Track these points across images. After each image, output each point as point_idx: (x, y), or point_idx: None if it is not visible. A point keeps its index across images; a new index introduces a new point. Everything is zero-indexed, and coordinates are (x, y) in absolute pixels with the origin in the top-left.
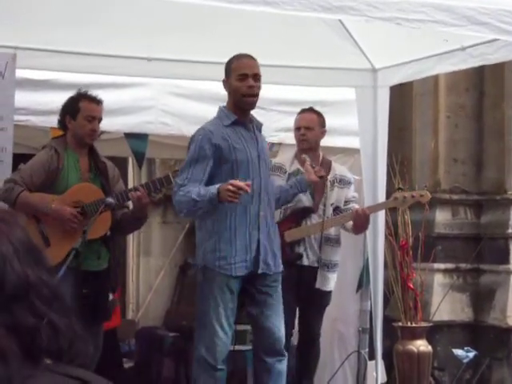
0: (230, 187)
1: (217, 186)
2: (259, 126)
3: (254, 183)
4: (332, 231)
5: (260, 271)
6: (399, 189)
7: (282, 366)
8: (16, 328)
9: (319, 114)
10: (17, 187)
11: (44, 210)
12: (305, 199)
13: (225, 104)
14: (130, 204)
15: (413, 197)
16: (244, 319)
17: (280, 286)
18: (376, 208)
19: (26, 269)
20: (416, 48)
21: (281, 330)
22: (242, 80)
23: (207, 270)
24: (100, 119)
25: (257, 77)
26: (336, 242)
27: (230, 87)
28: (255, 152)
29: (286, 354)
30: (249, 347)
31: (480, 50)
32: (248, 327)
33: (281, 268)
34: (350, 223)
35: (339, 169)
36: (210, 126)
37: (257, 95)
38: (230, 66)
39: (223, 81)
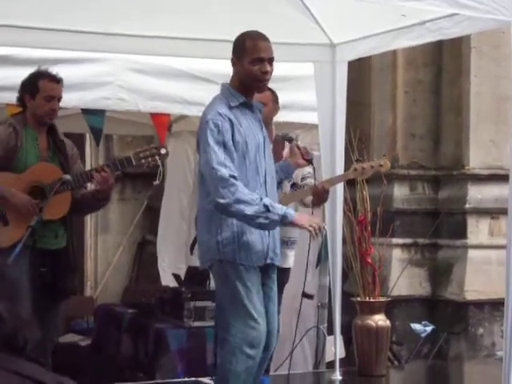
0: (313, 225)
1: (291, 210)
2: (259, 106)
3: (261, 168)
4: (290, 207)
5: (269, 261)
6: (358, 160)
7: (267, 360)
8: None
9: (272, 91)
10: None
11: (2, 194)
12: None
13: (227, 81)
14: (89, 185)
15: (372, 167)
16: (204, 295)
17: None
18: (335, 180)
19: None
20: (374, 23)
21: (276, 324)
22: (257, 64)
23: (228, 263)
24: (60, 98)
25: (272, 61)
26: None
27: (242, 68)
28: (261, 135)
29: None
30: (209, 323)
31: (438, 25)
32: (208, 303)
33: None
34: (309, 198)
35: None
36: (221, 107)
37: (269, 80)
38: (243, 46)
39: (232, 59)
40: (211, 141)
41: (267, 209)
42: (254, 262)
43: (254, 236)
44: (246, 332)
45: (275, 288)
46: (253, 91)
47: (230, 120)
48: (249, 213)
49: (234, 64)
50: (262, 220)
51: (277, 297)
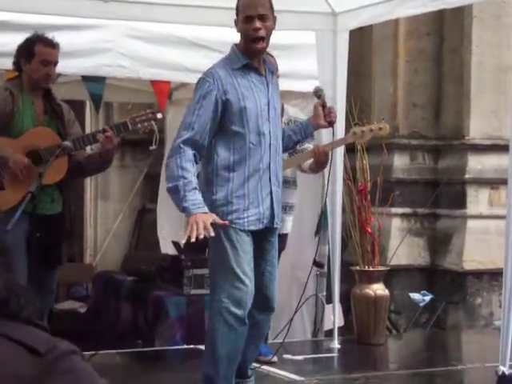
0: (194, 225)
1: (199, 209)
2: (272, 68)
3: (264, 132)
4: (288, 172)
5: (276, 225)
6: (356, 124)
7: (269, 322)
8: None
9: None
10: None
11: (2, 154)
12: None
13: (237, 42)
14: (87, 148)
15: (371, 130)
16: (203, 263)
17: (276, 241)
18: (335, 144)
19: None
20: None
21: (275, 287)
22: (248, 22)
23: (219, 224)
24: (56, 63)
25: (264, 17)
26: (293, 183)
27: (238, 29)
28: (265, 99)
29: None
30: (207, 291)
31: None
32: (207, 271)
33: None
34: (307, 164)
35: (292, 110)
36: (220, 69)
37: (263, 38)
38: (237, 5)
39: (234, 21)
40: (194, 98)
41: (178, 192)
42: (247, 226)
43: (250, 199)
44: (232, 292)
45: (274, 252)
46: (251, 52)
47: (222, 82)
48: (168, 184)
49: (235, 24)
50: (172, 198)
51: (276, 258)
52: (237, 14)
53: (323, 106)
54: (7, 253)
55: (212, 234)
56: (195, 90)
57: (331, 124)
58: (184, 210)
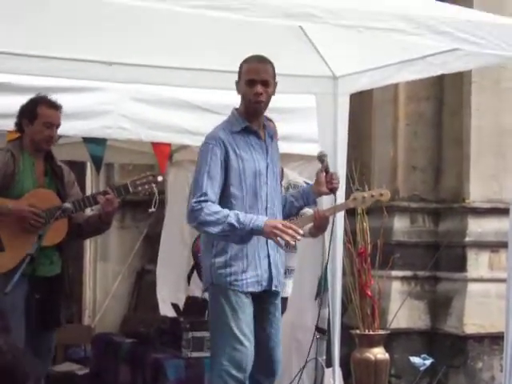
0: (280, 225)
1: (263, 218)
2: (271, 133)
3: (261, 195)
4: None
5: (274, 288)
6: (357, 189)
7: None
8: None
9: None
10: None
11: (1, 210)
12: None
13: (236, 107)
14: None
15: (372, 196)
16: (203, 326)
17: (280, 304)
18: (336, 209)
19: None
20: (377, 56)
21: (280, 351)
22: (251, 85)
23: (218, 286)
24: (58, 125)
25: (266, 83)
26: (293, 247)
27: (240, 91)
28: (263, 162)
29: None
30: (207, 354)
31: (440, 59)
32: (206, 334)
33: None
34: (306, 228)
35: (292, 174)
36: (221, 132)
37: (263, 102)
38: (240, 69)
39: (235, 82)
40: (201, 162)
41: (233, 227)
42: (245, 288)
43: (248, 262)
44: (232, 355)
45: (278, 314)
46: (253, 115)
47: (224, 144)
48: (215, 232)
49: (236, 88)
50: (232, 237)
51: (281, 324)
52: (239, 77)
53: (326, 171)
54: (5, 317)
55: (301, 232)
56: (200, 153)
57: (333, 191)
58: (252, 231)
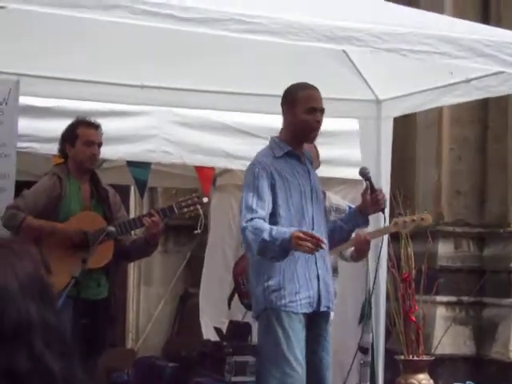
0: (301, 235)
1: (291, 229)
2: (309, 157)
3: (307, 217)
4: (330, 260)
5: (322, 309)
6: (399, 214)
7: None
8: (9, 370)
9: (314, 146)
10: (20, 213)
11: (50, 230)
12: None
13: (275, 135)
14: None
15: (413, 220)
16: (245, 350)
17: (330, 327)
18: (376, 234)
19: (29, 307)
20: (420, 80)
21: (329, 373)
22: (311, 113)
23: (272, 310)
24: (99, 144)
25: (323, 112)
26: (334, 271)
27: (294, 118)
28: (308, 185)
29: None
30: (250, 379)
31: (485, 83)
32: (249, 358)
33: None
34: (348, 251)
35: (334, 198)
36: (264, 157)
37: (319, 130)
38: (295, 96)
39: (284, 108)
40: (247, 184)
41: (265, 242)
42: (300, 309)
43: (300, 283)
44: (283, 380)
45: (328, 337)
46: (302, 141)
47: (270, 169)
48: (255, 250)
49: (285, 114)
50: (268, 253)
51: (330, 342)
52: (291, 103)
53: (371, 189)
54: (66, 341)
55: (325, 241)
56: (246, 177)
57: (382, 210)
58: (283, 243)
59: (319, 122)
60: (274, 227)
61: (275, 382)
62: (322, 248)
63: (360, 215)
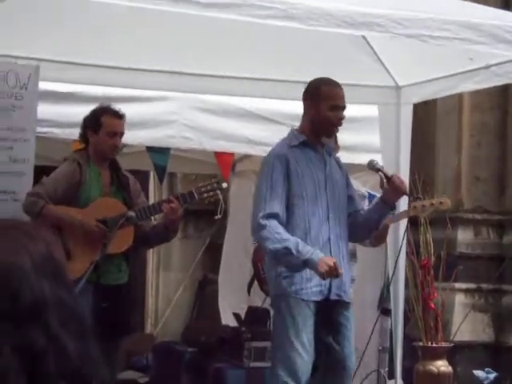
0: (331, 264)
1: (319, 254)
2: (329, 150)
3: (322, 204)
4: (349, 245)
5: (332, 297)
6: (417, 198)
7: None
8: (23, 348)
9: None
10: (40, 201)
11: (70, 221)
12: None
13: (293, 123)
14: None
15: (432, 204)
16: (264, 336)
17: (353, 316)
18: (395, 218)
19: (43, 286)
20: (440, 66)
21: (352, 361)
22: (334, 110)
23: (282, 296)
24: (122, 134)
25: (344, 109)
26: (353, 256)
27: (317, 113)
28: (322, 174)
29: None
30: (268, 364)
31: (505, 69)
32: (268, 344)
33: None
34: None
35: (354, 184)
36: (280, 148)
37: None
38: (319, 91)
39: (307, 102)
40: (261, 177)
41: (289, 251)
42: (309, 296)
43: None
44: (288, 365)
45: (350, 326)
46: (322, 136)
47: (285, 158)
48: (271, 248)
49: (307, 107)
50: (283, 260)
51: (353, 335)
52: (315, 99)
53: (386, 178)
54: (81, 321)
55: (342, 271)
56: (261, 169)
57: (405, 194)
58: (307, 262)
59: (341, 120)
60: (300, 240)
61: (281, 367)
62: (336, 276)
63: (384, 205)
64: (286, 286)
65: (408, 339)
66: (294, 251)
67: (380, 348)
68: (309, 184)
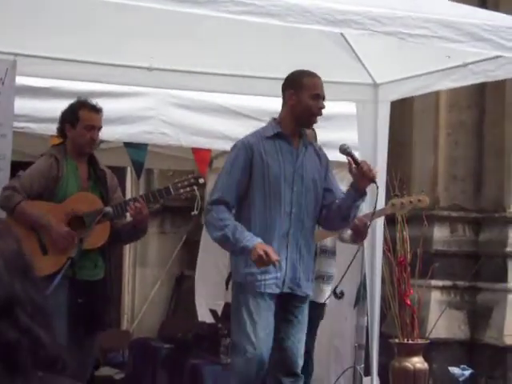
0: (262, 253)
1: (254, 241)
2: (307, 143)
3: (285, 199)
4: (328, 242)
5: (286, 290)
6: (396, 195)
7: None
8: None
9: (312, 128)
10: (16, 195)
11: (42, 223)
12: None
13: (275, 116)
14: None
15: (411, 202)
16: None
17: (307, 308)
18: (374, 215)
19: (14, 283)
20: (418, 64)
21: (300, 352)
22: (315, 99)
23: (240, 284)
24: (99, 128)
25: (324, 99)
26: (332, 253)
27: (298, 102)
28: (291, 168)
29: (302, 377)
30: None
31: (482, 67)
32: None
33: (310, 291)
34: (348, 234)
35: None
36: (251, 137)
37: None
38: (300, 81)
39: (289, 92)
40: (225, 164)
41: (227, 239)
42: (264, 289)
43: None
44: (244, 351)
45: (301, 317)
46: (301, 126)
47: (252, 149)
48: (213, 236)
49: (288, 97)
50: (225, 246)
51: (305, 326)
52: (297, 88)
53: (355, 162)
54: (48, 315)
55: (277, 257)
56: (229, 153)
57: (373, 181)
58: (243, 249)
59: (321, 109)
60: (239, 227)
61: (238, 358)
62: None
63: (354, 191)
64: (243, 276)
65: (384, 336)
66: (232, 238)
67: (356, 345)
68: (273, 177)
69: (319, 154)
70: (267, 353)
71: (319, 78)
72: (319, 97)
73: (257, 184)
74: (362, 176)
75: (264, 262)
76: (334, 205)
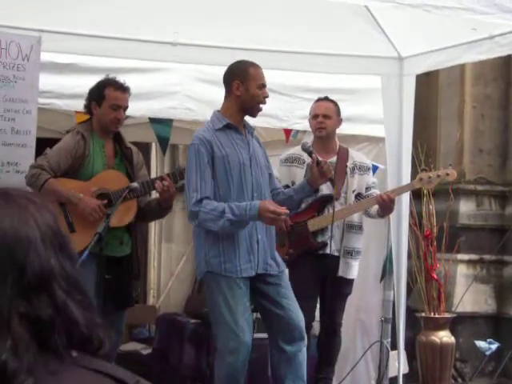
0: (272, 216)
1: (256, 205)
2: (251, 130)
3: (247, 185)
4: (355, 218)
5: (260, 271)
6: (423, 170)
7: (303, 354)
8: (32, 318)
9: (335, 103)
10: (44, 173)
11: (71, 199)
12: (325, 187)
13: (219, 108)
14: (153, 193)
15: (438, 176)
16: None
17: (286, 273)
18: (401, 190)
19: (50, 256)
20: (443, 36)
21: (298, 315)
22: (261, 88)
23: (213, 274)
24: (125, 108)
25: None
26: (359, 228)
27: (246, 92)
28: (246, 155)
29: (306, 341)
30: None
31: (508, 39)
32: None
33: (283, 266)
34: (374, 209)
35: (357, 155)
36: (204, 132)
37: None
38: (246, 71)
39: (236, 83)
40: (190, 164)
41: (231, 221)
42: (240, 274)
43: (240, 248)
44: (226, 342)
45: (284, 284)
46: (247, 115)
47: (209, 142)
48: (216, 229)
49: (235, 88)
50: (232, 229)
51: (290, 289)
52: (244, 79)
53: (317, 163)
54: (85, 292)
55: (285, 210)
56: (188, 154)
57: (330, 180)
58: (250, 219)
59: (266, 98)
60: (232, 204)
61: (222, 344)
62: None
63: (309, 187)
64: (216, 266)
65: (410, 310)
66: (235, 218)
67: (382, 319)
68: (234, 167)
69: (259, 141)
70: (250, 337)
71: (261, 68)
72: (264, 86)
73: (220, 176)
74: (321, 174)
75: (278, 221)
76: (281, 194)
